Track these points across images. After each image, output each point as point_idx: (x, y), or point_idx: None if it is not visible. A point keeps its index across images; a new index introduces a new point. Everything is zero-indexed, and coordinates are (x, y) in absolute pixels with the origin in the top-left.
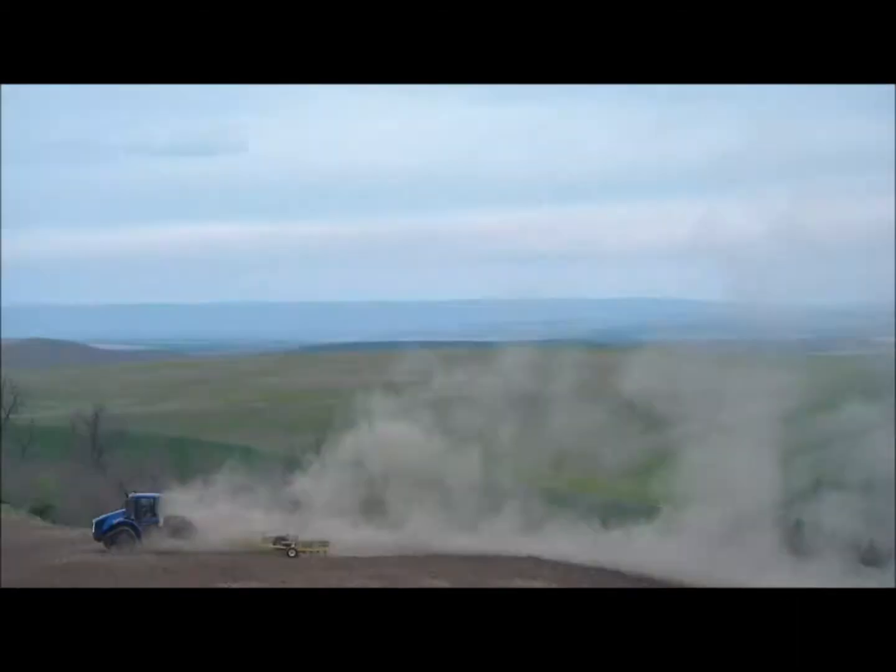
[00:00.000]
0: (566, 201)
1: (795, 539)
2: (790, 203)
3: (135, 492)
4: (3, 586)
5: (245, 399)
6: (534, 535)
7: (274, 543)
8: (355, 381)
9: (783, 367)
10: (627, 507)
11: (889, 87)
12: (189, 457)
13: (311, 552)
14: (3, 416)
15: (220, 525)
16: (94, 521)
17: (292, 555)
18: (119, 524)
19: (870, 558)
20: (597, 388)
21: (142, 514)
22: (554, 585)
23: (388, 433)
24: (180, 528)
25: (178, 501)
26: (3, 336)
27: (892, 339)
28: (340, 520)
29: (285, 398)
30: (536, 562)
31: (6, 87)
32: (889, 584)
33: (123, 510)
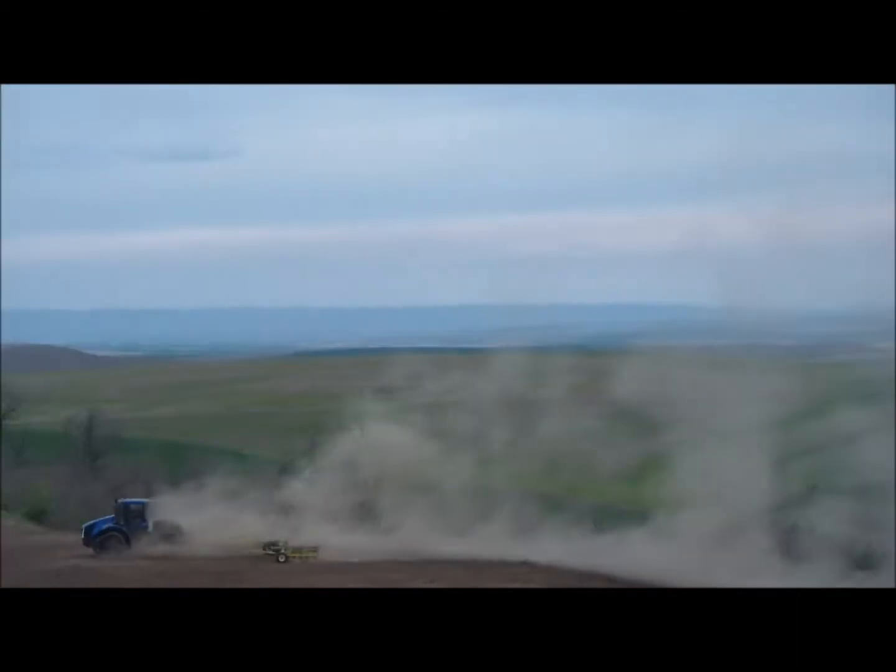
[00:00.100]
0: (558, 207)
1: (789, 544)
2: (784, 207)
3: (124, 497)
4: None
5: (239, 404)
6: (527, 540)
7: (264, 549)
8: (348, 386)
9: (776, 372)
10: (621, 511)
11: (888, 87)
12: (183, 461)
13: (300, 557)
14: None
15: (211, 530)
16: (82, 526)
17: (282, 560)
18: (108, 529)
19: (864, 563)
20: (590, 393)
21: (131, 520)
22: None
23: (380, 438)
24: (170, 533)
25: (169, 506)
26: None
27: (887, 345)
28: (333, 525)
29: (279, 403)
30: (530, 566)
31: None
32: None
33: (112, 515)
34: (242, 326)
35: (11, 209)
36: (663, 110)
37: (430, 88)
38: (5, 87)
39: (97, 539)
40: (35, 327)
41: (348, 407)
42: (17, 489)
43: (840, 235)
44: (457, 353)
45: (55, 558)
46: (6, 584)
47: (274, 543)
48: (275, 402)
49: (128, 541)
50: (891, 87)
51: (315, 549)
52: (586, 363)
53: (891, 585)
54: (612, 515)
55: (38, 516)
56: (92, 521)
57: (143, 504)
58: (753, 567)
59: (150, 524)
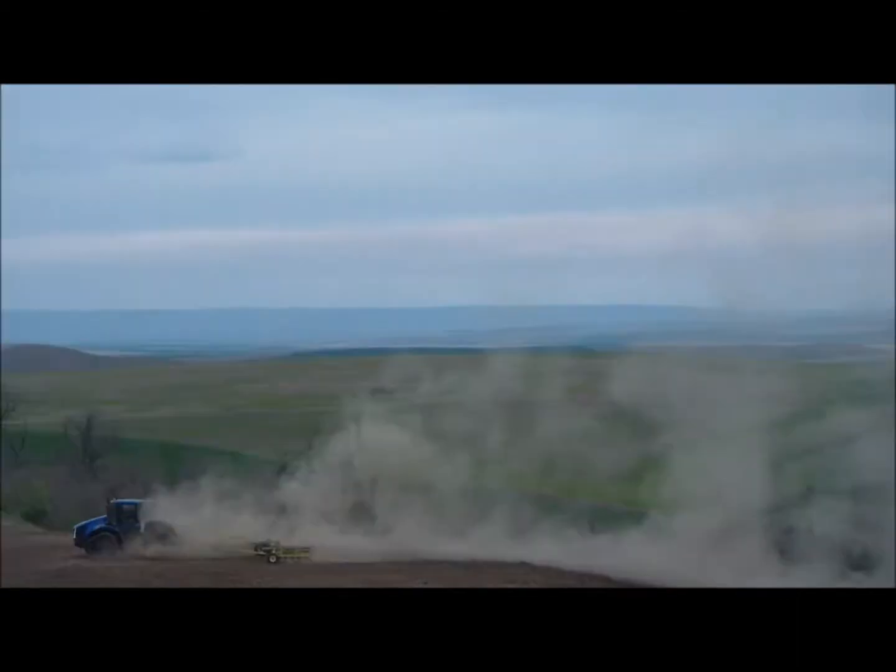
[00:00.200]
0: (555, 208)
1: (787, 545)
2: (783, 207)
3: (117, 497)
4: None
5: (237, 404)
6: (525, 541)
7: (255, 549)
8: (345, 387)
9: (775, 373)
10: (619, 512)
11: (888, 87)
12: (181, 462)
13: (291, 558)
14: None
15: (205, 530)
16: (74, 526)
17: (273, 560)
18: (100, 530)
19: (862, 564)
20: (588, 394)
21: (123, 520)
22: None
23: (377, 438)
24: (162, 533)
25: (163, 507)
26: None
27: (886, 346)
28: (329, 525)
29: (277, 403)
30: (527, 567)
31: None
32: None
33: (105, 516)
34: (242, 327)
35: (11, 209)
36: (663, 111)
37: (429, 89)
38: (5, 87)
39: (89, 539)
40: (34, 327)
41: (346, 407)
42: (16, 489)
43: (839, 236)
44: (454, 355)
45: (54, 559)
46: (5, 585)
47: (265, 544)
48: (273, 403)
49: (120, 541)
50: (891, 87)
51: (307, 550)
52: (584, 364)
53: (890, 585)
54: (609, 516)
55: (36, 517)
56: (84, 522)
57: (135, 505)
58: (751, 567)
59: (143, 525)
